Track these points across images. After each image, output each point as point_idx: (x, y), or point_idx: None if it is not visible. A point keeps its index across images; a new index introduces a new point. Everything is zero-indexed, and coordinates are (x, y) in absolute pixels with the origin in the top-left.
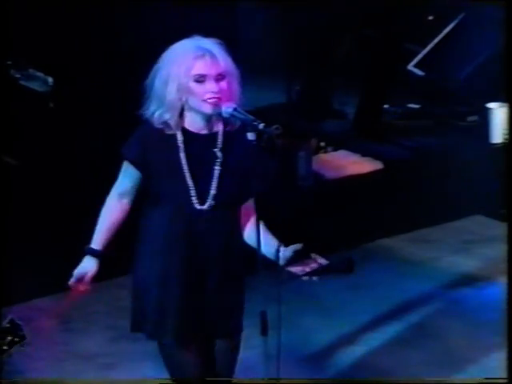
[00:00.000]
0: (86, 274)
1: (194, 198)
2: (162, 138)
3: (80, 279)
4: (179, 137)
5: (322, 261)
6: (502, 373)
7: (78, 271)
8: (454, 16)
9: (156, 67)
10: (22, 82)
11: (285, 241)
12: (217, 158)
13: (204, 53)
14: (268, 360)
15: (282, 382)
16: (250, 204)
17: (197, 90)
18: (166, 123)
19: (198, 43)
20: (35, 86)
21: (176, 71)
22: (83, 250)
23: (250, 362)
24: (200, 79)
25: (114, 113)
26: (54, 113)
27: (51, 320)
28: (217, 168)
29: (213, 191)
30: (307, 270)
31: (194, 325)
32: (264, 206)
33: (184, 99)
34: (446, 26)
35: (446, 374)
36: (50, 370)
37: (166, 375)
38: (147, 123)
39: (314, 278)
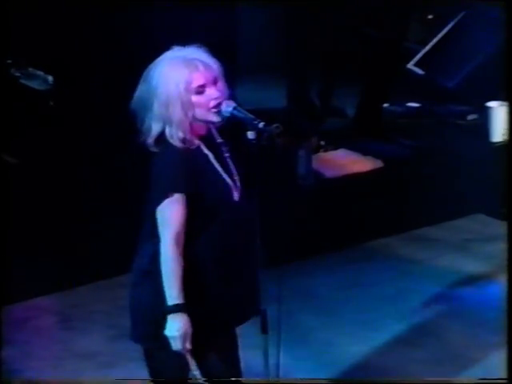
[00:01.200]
0: (187, 333)
1: (234, 192)
2: (191, 154)
3: (185, 339)
4: (202, 145)
5: None
6: (502, 371)
7: (179, 333)
8: (454, 15)
9: (146, 88)
10: (22, 81)
11: (285, 240)
12: (223, 147)
13: (196, 63)
14: (268, 359)
15: (281, 381)
16: None
17: (200, 102)
18: (183, 139)
19: (184, 55)
20: (35, 84)
21: (175, 90)
22: (167, 309)
23: (249, 361)
24: (200, 90)
25: (114, 111)
26: (54, 111)
27: (52, 319)
28: (227, 156)
29: (237, 179)
30: None
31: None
32: (264, 205)
33: (190, 114)
34: (445, 25)
35: (446, 373)
36: (49, 368)
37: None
38: (167, 149)
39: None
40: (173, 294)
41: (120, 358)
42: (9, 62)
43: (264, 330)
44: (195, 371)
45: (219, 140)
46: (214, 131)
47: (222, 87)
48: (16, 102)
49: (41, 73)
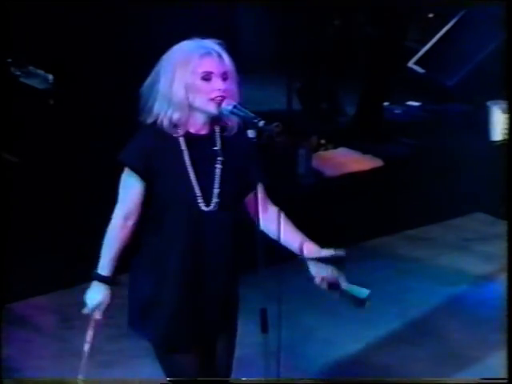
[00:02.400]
0: (101, 303)
1: (200, 200)
2: (165, 142)
3: (96, 309)
4: (182, 139)
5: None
6: (502, 370)
7: (91, 303)
8: (454, 14)
9: (157, 69)
10: (23, 80)
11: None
12: (217, 157)
13: (210, 51)
14: (268, 358)
15: (281, 381)
16: (261, 195)
17: (204, 88)
18: (174, 124)
19: (201, 43)
20: (35, 83)
21: (182, 70)
22: (91, 274)
23: (249, 361)
24: (207, 77)
25: (113, 110)
26: (54, 110)
27: (52, 317)
28: (218, 167)
29: (216, 191)
30: (326, 280)
31: (197, 324)
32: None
33: (191, 98)
34: (445, 24)
35: (446, 372)
36: (49, 367)
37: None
38: (147, 128)
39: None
40: (104, 263)
41: (121, 357)
42: (9, 60)
43: (264, 329)
44: (87, 343)
45: (216, 148)
46: (218, 137)
47: (230, 85)
48: (16, 101)
49: (41, 72)
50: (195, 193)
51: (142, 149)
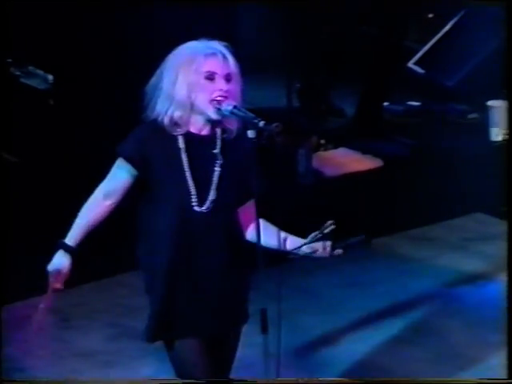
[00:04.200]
0: (60, 271)
1: (194, 200)
2: (163, 139)
3: (55, 277)
4: (181, 138)
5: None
6: (502, 370)
7: (52, 268)
8: (454, 14)
9: (162, 68)
10: (22, 80)
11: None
12: (216, 159)
13: (215, 52)
14: (268, 358)
15: (281, 381)
16: (250, 207)
17: (206, 88)
18: (176, 123)
19: (207, 44)
20: (35, 83)
21: (186, 69)
22: (56, 243)
23: (249, 360)
24: (211, 77)
25: (113, 110)
26: (54, 110)
27: (52, 318)
28: (217, 169)
29: (212, 193)
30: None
31: (198, 323)
32: (264, 204)
33: (193, 97)
34: (445, 24)
35: (446, 372)
36: (49, 367)
37: (165, 373)
38: (147, 123)
39: (337, 251)
40: (72, 233)
41: (120, 357)
42: (9, 60)
43: (264, 329)
44: (41, 305)
45: (216, 150)
46: (218, 139)
47: (233, 87)
48: (16, 101)
49: (41, 72)
50: (189, 191)
51: (137, 140)
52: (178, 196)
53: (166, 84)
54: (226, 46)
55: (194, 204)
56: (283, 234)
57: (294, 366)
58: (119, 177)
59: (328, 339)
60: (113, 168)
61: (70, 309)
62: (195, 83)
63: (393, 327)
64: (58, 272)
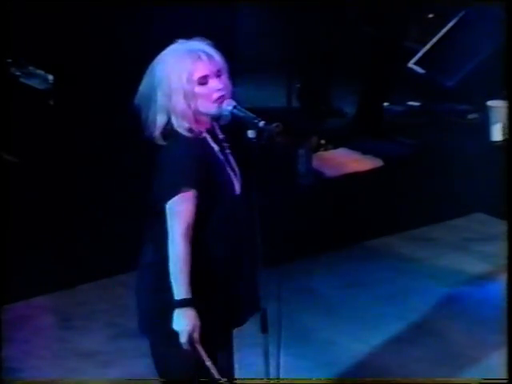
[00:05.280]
0: (195, 325)
1: (236, 186)
2: (199, 147)
3: (193, 333)
4: (209, 138)
5: None
6: (502, 370)
7: (189, 329)
8: (454, 14)
9: (150, 81)
10: (22, 80)
11: (285, 239)
12: (224, 143)
13: (199, 54)
14: (268, 358)
15: (282, 381)
16: None
17: (203, 93)
18: (189, 129)
19: (187, 47)
20: (35, 83)
21: (177, 81)
22: (175, 303)
23: (249, 360)
24: (203, 81)
25: (113, 110)
26: (54, 110)
27: (53, 318)
28: (228, 152)
29: (238, 175)
30: None
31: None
32: (264, 204)
33: (193, 106)
34: (446, 24)
35: (446, 372)
36: (49, 367)
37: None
38: (175, 142)
39: None
40: (181, 289)
41: (121, 357)
42: (9, 61)
43: (264, 329)
44: (208, 362)
45: (221, 136)
46: (217, 127)
47: (225, 81)
48: (16, 101)
49: (41, 72)
50: (233, 182)
51: (191, 164)
52: (228, 190)
53: (160, 99)
54: (203, 40)
55: (235, 190)
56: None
57: (294, 365)
58: (190, 210)
59: (328, 339)
60: (176, 202)
61: (70, 309)
62: (190, 92)
63: (393, 327)
64: (194, 328)
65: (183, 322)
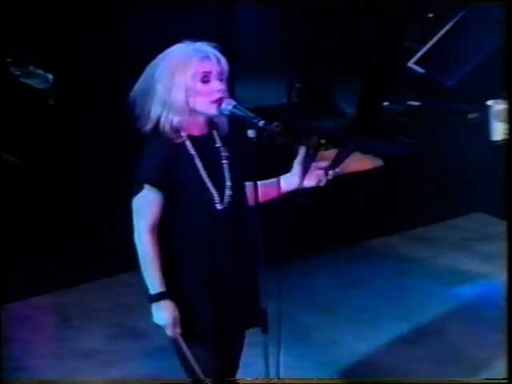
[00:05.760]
0: (175, 318)
1: (216, 200)
2: (174, 150)
3: (173, 325)
4: (188, 143)
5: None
6: (502, 370)
7: (167, 321)
8: (454, 14)
9: (151, 74)
10: (23, 80)
11: (285, 239)
12: (221, 153)
13: (208, 53)
14: (268, 358)
15: (282, 381)
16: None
17: (204, 91)
18: (177, 129)
19: (195, 47)
20: (35, 83)
21: (181, 75)
22: (150, 298)
23: (249, 360)
24: (206, 79)
25: (113, 110)
26: (54, 110)
27: (52, 317)
28: (225, 162)
29: (228, 187)
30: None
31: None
32: (264, 204)
33: (191, 102)
34: (446, 24)
35: (446, 372)
36: (49, 367)
37: (165, 373)
38: (154, 140)
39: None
40: (154, 282)
41: (121, 357)
42: (9, 60)
43: (264, 328)
44: (188, 355)
45: (218, 145)
46: (216, 135)
47: (225, 86)
48: (16, 101)
49: (41, 71)
50: (211, 194)
51: (157, 163)
52: (202, 201)
53: (159, 91)
54: (215, 47)
55: (216, 204)
56: (276, 179)
57: (294, 365)
58: (154, 207)
59: (328, 339)
60: (140, 198)
61: (70, 309)
62: (192, 88)
63: (393, 327)
64: (174, 320)
65: (161, 315)
